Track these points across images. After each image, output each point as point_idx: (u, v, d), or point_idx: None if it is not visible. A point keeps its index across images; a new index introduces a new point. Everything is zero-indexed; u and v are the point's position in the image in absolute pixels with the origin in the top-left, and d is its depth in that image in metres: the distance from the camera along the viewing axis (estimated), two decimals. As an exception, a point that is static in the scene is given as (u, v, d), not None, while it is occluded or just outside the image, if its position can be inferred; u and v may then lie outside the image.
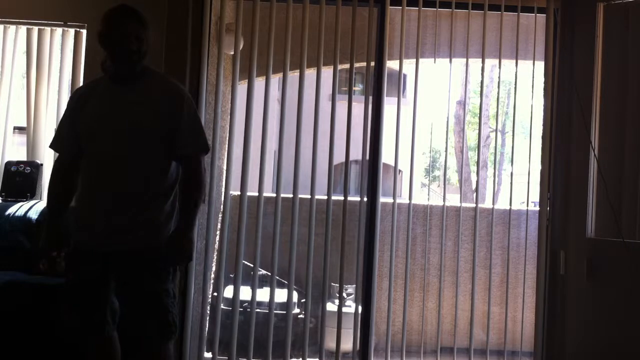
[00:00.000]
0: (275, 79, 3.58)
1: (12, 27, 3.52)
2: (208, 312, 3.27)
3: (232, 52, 3.25)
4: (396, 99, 3.34)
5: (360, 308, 3.23)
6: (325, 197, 3.23)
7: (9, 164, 3.41)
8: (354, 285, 3.39)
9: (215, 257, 3.40)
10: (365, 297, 3.22)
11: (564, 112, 3.14)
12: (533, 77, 3.43)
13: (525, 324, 3.45)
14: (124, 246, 2.14)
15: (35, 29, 3.51)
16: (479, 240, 3.50)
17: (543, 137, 3.20)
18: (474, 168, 13.35)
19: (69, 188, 2.27)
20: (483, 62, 3.44)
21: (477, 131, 11.97)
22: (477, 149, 6.94)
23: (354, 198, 3.40)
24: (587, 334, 2.99)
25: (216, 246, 3.36)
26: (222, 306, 3.23)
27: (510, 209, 3.51)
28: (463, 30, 3.54)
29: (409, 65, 3.63)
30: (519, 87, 3.57)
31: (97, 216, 2.15)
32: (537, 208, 3.33)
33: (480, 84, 4.01)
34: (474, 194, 3.79)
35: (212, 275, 3.40)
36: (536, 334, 3.19)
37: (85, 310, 2.20)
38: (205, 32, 3.09)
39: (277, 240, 3.16)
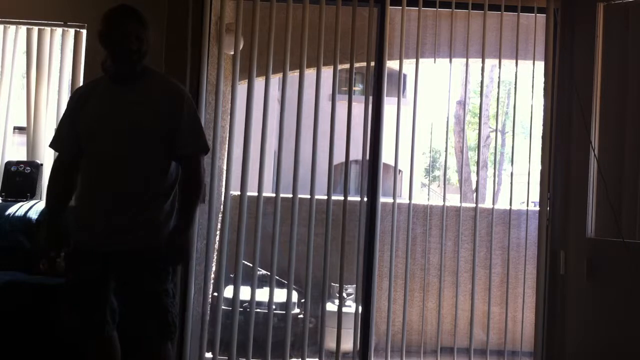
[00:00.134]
0: (275, 79, 3.58)
1: (12, 27, 3.52)
2: (208, 312, 3.27)
3: (232, 52, 3.25)
4: (396, 99, 3.34)
5: (360, 308, 3.23)
6: (325, 197, 3.23)
7: (9, 164, 3.41)
8: (354, 285, 3.39)
9: (215, 257, 3.39)
10: (365, 297, 3.22)
11: (564, 112, 3.14)
12: (533, 77, 3.43)
13: (525, 324, 3.45)
14: (124, 246, 2.14)
15: (35, 29, 3.51)
16: (479, 240, 3.50)
17: (543, 137, 3.20)
18: (474, 168, 13.35)
19: (68, 188, 2.27)
20: (483, 62, 3.44)
21: (477, 131, 11.97)
22: (477, 149, 6.94)
23: (354, 198, 3.40)
24: (587, 334, 2.99)
25: (216, 246, 3.36)
26: (222, 306, 3.22)
27: (510, 209, 3.51)
28: (463, 30, 3.54)
29: (409, 65, 3.63)
30: (519, 87, 3.57)
31: (97, 216, 2.15)
32: (537, 208, 3.33)
33: (480, 84, 4.01)
34: (474, 194, 3.79)
35: (212, 276, 3.40)
36: (536, 334, 3.19)
37: (85, 310, 2.20)
38: (205, 32, 3.09)
39: (277, 240, 3.16)
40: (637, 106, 2.99)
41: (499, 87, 5.38)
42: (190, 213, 2.20)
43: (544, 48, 3.25)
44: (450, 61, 3.59)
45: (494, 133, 8.97)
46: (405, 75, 3.88)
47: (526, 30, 3.50)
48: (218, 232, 3.38)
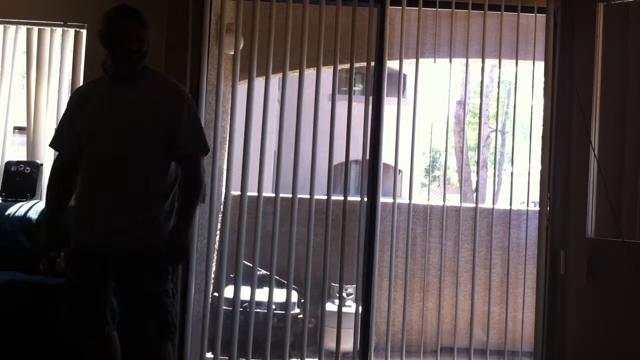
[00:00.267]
0: (275, 79, 3.58)
1: (12, 27, 3.52)
2: (209, 312, 3.26)
3: (232, 52, 3.25)
4: (396, 99, 3.34)
5: (360, 308, 3.23)
6: (325, 197, 3.23)
7: (9, 164, 3.41)
8: (354, 285, 3.39)
9: (215, 257, 3.39)
10: (365, 297, 3.22)
11: (564, 112, 3.14)
12: (533, 77, 3.43)
13: (525, 324, 3.45)
14: (124, 246, 2.14)
15: (35, 29, 3.51)
16: (479, 240, 3.50)
17: (543, 137, 3.20)
18: (474, 168, 13.35)
19: (68, 187, 2.27)
20: (483, 62, 3.44)
21: (477, 131, 11.97)
22: (477, 149, 6.94)
23: (354, 198, 3.40)
24: (587, 334, 2.98)
25: (216, 246, 3.36)
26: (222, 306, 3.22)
27: (510, 209, 3.52)
28: (463, 30, 3.54)
29: (409, 65, 3.63)
30: (519, 87, 3.57)
31: (97, 216, 2.15)
32: (537, 208, 3.33)
33: (480, 84, 4.01)
34: (474, 194, 3.79)
35: (212, 276, 3.40)
36: (536, 334, 3.19)
37: (85, 310, 2.20)
38: (205, 32, 3.09)
39: (277, 240, 3.16)
40: (637, 106, 2.99)
41: (499, 87, 5.38)
42: (190, 213, 2.20)
43: (544, 48, 3.25)
44: (450, 61, 3.59)
45: (494, 133, 8.97)
46: (405, 75, 3.88)
47: (526, 30, 3.50)
48: (218, 232, 3.38)
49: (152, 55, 2.24)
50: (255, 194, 3.19)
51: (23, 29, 3.53)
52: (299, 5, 3.20)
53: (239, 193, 3.18)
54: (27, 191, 3.33)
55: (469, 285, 3.46)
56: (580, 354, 3.02)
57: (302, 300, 3.28)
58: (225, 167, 3.42)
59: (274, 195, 3.25)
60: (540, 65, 3.32)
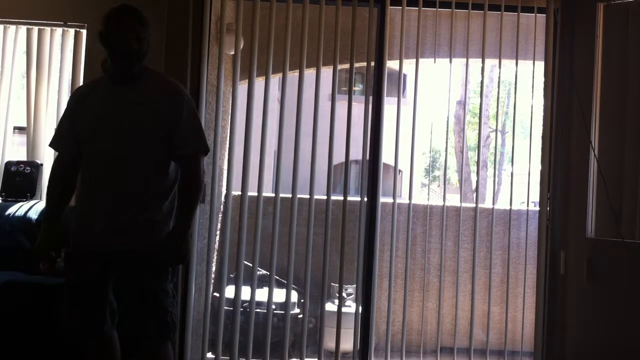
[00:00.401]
0: (275, 79, 3.58)
1: (12, 27, 3.52)
2: (209, 312, 3.26)
3: (232, 52, 3.24)
4: (396, 99, 3.34)
5: (360, 308, 3.23)
6: (325, 197, 3.23)
7: (9, 164, 3.41)
8: (354, 285, 3.39)
9: (215, 257, 3.39)
10: (365, 297, 3.22)
11: (564, 112, 3.14)
12: (533, 77, 3.43)
13: (525, 324, 3.44)
14: (124, 246, 2.14)
15: (35, 29, 3.51)
16: (479, 240, 3.50)
17: (543, 137, 3.20)
18: (474, 168, 13.35)
19: (68, 188, 2.28)
20: (483, 62, 3.44)
21: (477, 131, 11.97)
22: (477, 149, 6.94)
23: (353, 198, 3.40)
24: (587, 334, 2.99)
25: (216, 246, 3.36)
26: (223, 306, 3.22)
27: (510, 209, 3.51)
28: (463, 30, 3.54)
29: (409, 65, 3.63)
30: (519, 87, 3.57)
31: (97, 216, 2.15)
32: (537, 208, 3.33)
33: (480, 84, 4.01)
34: (474, 194, 3.79)
35: (213, 276, 3.40)
36: (536, 334, 3.19)
37: (85, 310, 2.20)
38: (205, 32, 3.09)
39: (276, 240, 3.16)
40: (637, 106, 2.99)
41: (499, 87, 5.37)
42: (190, 213, 2.21)
43: (544, 48, 3.25)
44: (450, 61, 3.59)
45: (494, 133, 8.97)
46: (405, 75, 3.88)
47: (526, 30, 3.50)
48: (218, 233, 3.38)
49: (152, 55, 2.24)
50: (255, 194, 3.19)
51: (23, 29, 3.53)
52: (299, 5, 3.20)
53: (239, 193, 3.18)
54: (27, 191, 3.33)
55: (469, 285, 3.46)
56: (580, 354, 3.02)
57: (302, 300, 3.28)
58: (225, 167, 3.42)
59: (273, 195, 3.25)
60: (540, 65, 3.32)
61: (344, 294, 3.34)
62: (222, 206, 3.58)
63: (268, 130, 3.19)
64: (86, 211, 2.19)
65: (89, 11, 3.12)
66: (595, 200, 3.02)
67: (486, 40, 3.36)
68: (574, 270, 3.04)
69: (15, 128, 3.69)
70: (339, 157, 3.20)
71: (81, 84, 3.29)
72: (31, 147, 3.53)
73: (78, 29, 3.42)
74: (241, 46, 3.23)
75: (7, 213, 3.09)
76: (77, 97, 2.26)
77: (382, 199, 3.26)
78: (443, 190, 3.93)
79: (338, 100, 3.20)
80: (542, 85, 3.24)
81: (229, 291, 3.22)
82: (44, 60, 3.53)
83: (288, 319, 3.22)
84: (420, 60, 3.50)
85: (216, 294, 3.29)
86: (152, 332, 2.17)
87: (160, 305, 2.16)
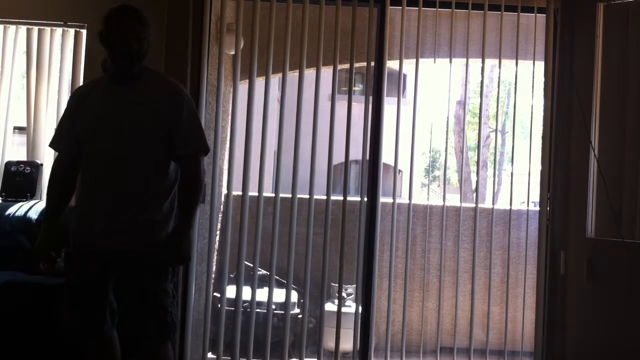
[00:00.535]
0: (276, 79, 3.58)
1: (12, 27, 3.52)
2: (210, 312, 3.26)
3: (232, 52, 3.24)
4: (396, 99, 3.34)
5: (360, 308, 3.23)
6: (325, 197, 3.23)
7: (9, 164, 3.41)
8: (354, 285, 3.39)
9: (215, 257, 3.39)
10: (365, 297, 3.22)
11: (564, 112, 3.14)
12: (533, 77, 3.43)
13: (525, 324, 3.44)
14: (124, 246, 2.14)
15: (35, 29, 3.51)
16: (479, 240, 3.50)
17: (543, 137, 3.20)
18: (474, 168, 13.35)
19: (68, 188, 2.28)
20: (483, 62, 3.44)
21: (477, 131, 11.97)
22: (477, 149, 6.95)
23: (353, 198, 3.40)
24: (587, 334, 2.99)
25: (215, 246, 3.36)
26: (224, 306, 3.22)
27: (510, 209, 3.51)
28: (463, 30, 3.54)
29: (409, 65, 3.63)
30: (519, 87, 3.57)
31: (97, 216, 2.15)
32: (537, 208, 3.33)
33: (480, 84, 4.01)
34: (474, 194, 3.78)
35: (213, 276, 3.40)
36: (536, 334, 3.19)
37: (85, 310, 2.20)
38: (205, 32, 3.09)
39: (276, 240, 3.16)
40: (637, 106, 2.99)
41: (499, 87, 5.37)
42: (190, 213, 2.20)
43: (544, 48, 3.25)
44: (450, 61, 3.59)
45: (494, 133, 8.97)
46: (405, 75, 3.88)
47: (526, 30, 3.50)
48: (217, 233, 3.38)
49: (152, 55, 2.24)
50: (255, 194, 3.18)
51: (23, 29, 3.53)
52: (299, 5, 3.20)
53: (240, 193, 3.18)
54: (27, 191, 3.33)
55: (469, 285, 3.46)
56: (580, 354, 3.02)
57: (302, 300, 3.28)
58: (225, 167, 3.42)
59: (273, 195, 3.24)
60: (540, 65, 3.32)
61: (343, 294, 3.34)
62: (221, 206, 3.58)
63: (268, 131, 3.18)
64: (86, 211, 2.19)
65: (89, 11, 3.12)
66: (595, 200, 3.02)
67: (486, 40, 3.36)
68: (574, 270, 3.04)
69: (15, 128, 3.69)
70: (338, 157, 3.20)
71: (81, 84, 3.29)
72: (31, 147, 3.53)
73: (78, 29, 3.42)
74: (241, 46, 3.23)
75: (7, 213, 3.09)
76: (77, 97, 2.26)
77: (382, 199, 3.26)
78: (443, 190, 3.93)
79: (338, 100, 3.20)
80: (542, 85, 3.24)
81: (229, 291, 3.22)
82: (44, 60, 3.53)
83: (288, 319, 3.22)
84: (420, 60, 3.50)
85: (216, 294, 3.29)
86: (152, 332, 2.17)
87: (160, 305, 2.16)
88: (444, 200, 3.68)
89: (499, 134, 11.68)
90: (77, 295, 2.20)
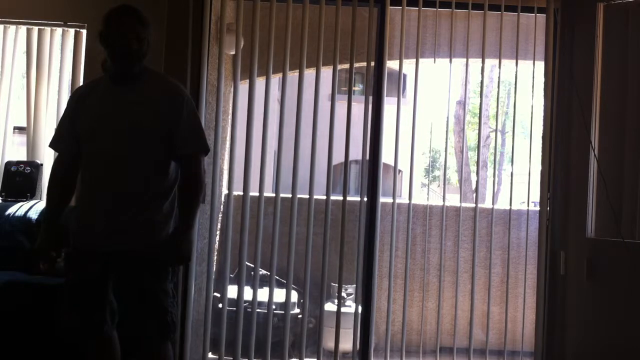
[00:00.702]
0: (276, 79, 3.58)
1: (12, 27, 3.52)
2: (210, 312, 3.26)
3: (232, 52, 3.24)
4: (396, 99, 3.34)
5: (360, 308, 3.23)
6: (325, 197, 3.23)
7: (9, 164, 3.41)
8: (354, 285, 3.39)
9: (215, 257, 3.39)
10: (365, 297, 3.22)
11: (564, 112, 3.14)
12: (533, 77, 3.43)
13: (526, 324, 3.44)
14: (124, 246, 2.14)
15: (35, 29, 3.51)
16: (479, 240, 3.50)
17: (543, 137, 3.20)
18: (474, 168, 13.35)
19: (68, 188, 2.28)
20: (483, 62, 3.44)
21: (477, 131, 11.97)
22: (477, 149, 6.95)
23: (353, 198, 3.40)
24: (587, 334, 2.99)
25: (216, 246, 3.36)
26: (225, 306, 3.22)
27: (510, 209, 3.51)
28: (463, 30, 3.54)
29: (409, 65, 3.63)
30: (519, 87, 3.57)
31: (97, 216, 2.15)
32: (537, 208, 3.33)
33: (480, 84, 4.01)
34: (474, 194, 3.78)
35: (213, 276, 3.40)
36: (536, 334, 3.19)
37: (85, 310, 2.20)
38: (205, 32, 3.09)
39: (277, 240, 3.16)
40: (637, 106, 2.99)
41: (499, 87, 5.36)
42: (191, 213, 2.20)
43: (544, 48, 3.25)
44: (450, 61, 3.59)
45: (494, 133, 8.96)
46: (405, 75, 3.88)
47: (526, 30, 3.50)
48: (218, 233, 3.38)
49: (152, 55, 2.24)
50: (255, 194, 3.18)
51: (23, 29, 3.53)
52: (299, 5, 3.20)
53: (240, 193, 3.18)
54: (27, 191, 3.33)
55: (469, 285, 3.46)
56: (580, 354, 3.02)
57: (302, 300, 3.28)
58: (225, 167, 3.42)
59: (274, 195, 3.24)
60: (540, 65, 3.32)
61: (343, 294, 3.34)
62: (222, 206, 3.58)
63: (268, 131, 3.18)
64: (86, 211, 2.19)
65: (89, 11, 3.12)
66: (595, 200, 3.02)
67: (486, 40, 3.36)
68: (574, 270, 3.04)
69: (15, 128, 3.69)
70: (338, 157, 3.20)
71: (81, 84, 3.29)
72: (31, 147, 3.53)
73: (78, 29, 3.42)
74: (241, 46, 3.23)
75: (7, 213, 3.09)
76: (77, 97, 2.26)
77: (382, 199, 3.26)
78: (443, 190, 3.93)
79: (338, 100, 3.20)
80: (542, 85, 3.24)
81: (229, 291, 3.22)
82: (44, 60, 3.53)
83: (288, 319, 3.22)
84: (420, 60, 3.50)
85: (217, 294, 3.29)
86: (152, 332, 2.17)
87: (160, 305, 2.16)
88: (443, 200, 3.68)
89: (499, 134, 11.69)
90: (77, 295, 2.20)
